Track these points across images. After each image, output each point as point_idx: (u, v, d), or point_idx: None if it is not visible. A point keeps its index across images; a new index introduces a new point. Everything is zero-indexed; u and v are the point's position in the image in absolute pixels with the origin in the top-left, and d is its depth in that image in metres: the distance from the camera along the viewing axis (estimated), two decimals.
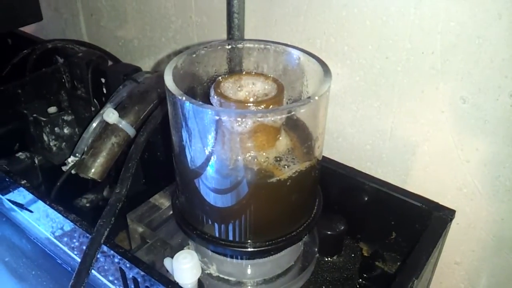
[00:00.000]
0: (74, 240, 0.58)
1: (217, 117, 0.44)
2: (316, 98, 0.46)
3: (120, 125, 0.76)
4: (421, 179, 0.75)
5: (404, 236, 0.68)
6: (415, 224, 0.65)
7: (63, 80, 0.97)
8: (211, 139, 0.47)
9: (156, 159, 0.93)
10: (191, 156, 0.49)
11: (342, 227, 0.67)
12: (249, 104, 0.49)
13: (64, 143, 0.94)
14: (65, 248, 0.56)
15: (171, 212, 0.70)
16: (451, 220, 0.61)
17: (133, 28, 1.08)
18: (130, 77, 0.85)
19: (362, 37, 0.71)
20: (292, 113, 0.44)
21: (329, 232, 0.66)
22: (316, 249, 0.65)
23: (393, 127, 0.74)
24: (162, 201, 0.72)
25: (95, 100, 0.94)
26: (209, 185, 0.50)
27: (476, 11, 0.60)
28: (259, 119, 0.43)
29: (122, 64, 0.99)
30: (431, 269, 0.65)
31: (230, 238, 0.53)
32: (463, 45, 0.62)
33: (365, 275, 0.70)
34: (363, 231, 0.72)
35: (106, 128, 0.76)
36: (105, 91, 0.93)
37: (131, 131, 0.77)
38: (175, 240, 0.66)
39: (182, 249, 0.64)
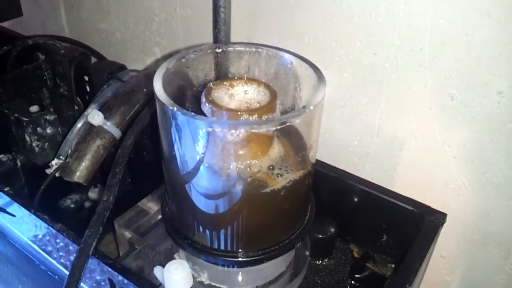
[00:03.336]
0: (61, 253, 0.56)
1: (210, 129, 0.43)
2: (311, 107, 0.45)
3: (105, 127, 0.74)
4: (408, 175, 0.76)
5: (395, 239, 0.68)
6: (407, 228, 0.64)
7: (45, 78, 0.94)
8: (203, 149, 0.45)
9: (143, 159, 0.91)
10: (182, 165, 0.48)
11: (333, 230, 0.66)
12: (241, 113, 0.47)
13: (47, 143, 0.91)
14: (52, 260, 0.55)
15: (159, 217, 0.68)
16: (442, 224, 0.61)
17: (115, 21, 1.05)
18: (114, 76, 0.82)
19: (351, 33, 0.71)
20: (287, 124, 0.43)
21: (320, 236, 0.66)
22: (307, 253, 0.65)
23: (381, 123, 0.74)
24: (150, 205, 0.70)
25: (78, 98, 0.91)
26: (200, 195, 0.49)
27: (465, 9, 0.59)
28: (253, 130, 0.42)
29: (106, 61, 0.96)
30: (423, 271, 0.65)
31: (222, 247, 0.52)
32: (452, 42, 0.62)
33: (356, 276, 0.70)
34: (354, 233, 0.72)
35: (91, 130, 0.74)
36: (88, 90, 0.90)
37: (116, 133, 0.75)
38: (164, 245, 0.65)
39: (172, 255, 0.63)
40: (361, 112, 0.75)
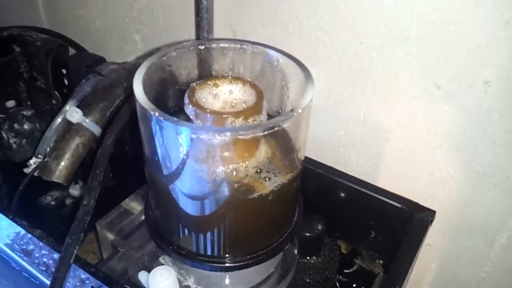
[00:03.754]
0: (42, 260, 0.54)
1: (194, 136, 0.41)
2: (300, 111, 0.43)
3: (85, 124, 0.71)
4: (394, 164, 0.75)
5: (384, 236, 0.67)
6: (395, 224, 0.64)
7: (21, 71, 0.90)
8: (187, 154, 0.43)
9: (124, 153, 0.89)
10: (166, 171, 0.46)
11: (321, 228, 0.66)
12: (227, 116, 0.45)
13: (24, 140, 0.88)
14: (31, 269, 0.52)
15: (143, 218, 0.66)
16: (431, 221, 0.60)
17: (94, 8, 1.01)
18: (93, 70, 0.79)
19: (336, 21, 0.69)
20: (276, 128, 0.41)
21: (308, 234, 0.65)
22: (295, 252, 0.63)
23: (366, 112, 0.74)
24: (133, 205, 0.68)
25: (56, 92, 0.88)
26: (186, 200, 0.47)
27: None
28: (240, 137, 0.40)
29: (84, 53, 0.93)
30: (412, 267, 0.64)
31: (209, 252, 0.51)
32: (439, 31, 0.61)
33: (345, 271, 0.69)
34: (342, 230, 0.71)
35: (70, 128, 0.71)
36: (66, 83, 0.87)
37: (96, 130, 0.73)
38: (149, 248, 0.63)
39: (157, 257, 0.61)
40: (346, 102, 0.75)
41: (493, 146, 0.65)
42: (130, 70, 0.78)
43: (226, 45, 0.54)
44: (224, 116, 0.45)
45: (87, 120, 0.71)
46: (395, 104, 0.70)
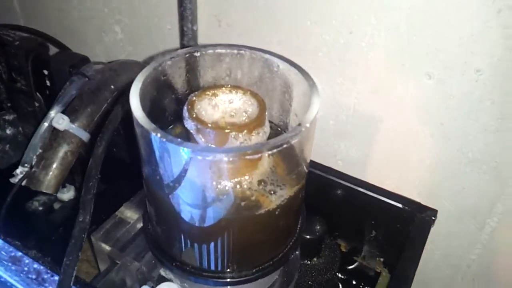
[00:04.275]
0: (40, 279, 0.52)
1: (199, 157, 0.39)
2: (308, 125, 0.41)
3: (72, 131, 0.68)
4: (384, 153, 0.76)
5: (384, 234, 0.67)
6: (397, 224, 0.63)
7: None
8: (191, 174, 0.41)
9: (113, 154, 0.86)
10: (169, 190, 0.44)
11: (322, 230, 0.65)
12: (229, 130, 0.43)
13: (8, 145, 0.85)
14: None
15: (139, 226, 0.64)
16: (434, 221, 0.60)
17: None
18: (78, 72, 0.76)
19: (325, 11, 0.68)
20: (284, 146, 0.39)
21: (309, 237, 0.64)
22: (298, 255, 0.62)
23: (357, 102, 0.74)
24: (129, 214, 0.66)
25: (38, 94, 0.84)
26: (189, 220, 0.45)
27: None
28: (248, 157, 0.38)
29: (67, 53, 0.89)
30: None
31: (213, 268, 0.49)
32: (431, 21, 0.61)
33: (346, 268, 0.69)
34: (342, 229, 0.70)
35: (57, 135, 0.68)
36: (49, 84, 0.83)
37: (84, 136, 0.70)
38: (147, 258, 0.61)
39: (156, 267, 0.59)
40: (336, 92, 0.74)
41: (484, 134, 0.65)
42: (116, 70, 0.75)
43: (223, 50, 0.51)
44: (226, 131, 0.43)
45: (74, 127, 0.68)
46: (386, 94, 0.70)
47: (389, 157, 0.75)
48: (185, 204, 0.44)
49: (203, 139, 0.44)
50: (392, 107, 0.70)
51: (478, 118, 0.64)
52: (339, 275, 0.68)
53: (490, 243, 0.74)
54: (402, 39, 0.64)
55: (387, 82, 0.68)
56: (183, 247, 0.49)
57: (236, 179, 0.44)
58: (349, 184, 0.65)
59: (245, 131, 0.44)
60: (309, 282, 0.65)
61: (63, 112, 0.71)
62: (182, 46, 0.85)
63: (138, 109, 0.41)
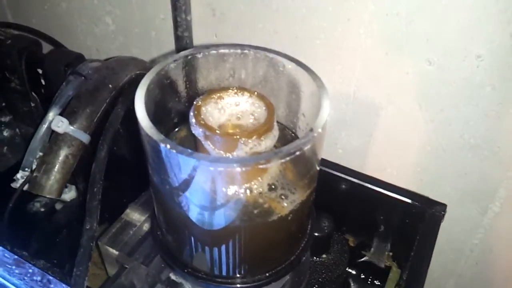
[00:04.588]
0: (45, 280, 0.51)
1: (212, 168, 0.37)
2: (320, 130, 0.40)
3: (72, 133, 0.67)
4: (385, 140, 0.76)
5: (393, 229, 0.66)
6: (405, 219, 0.63)
7: None
8: (202, 183, 0.40)
9: (114, 152, 0.84)
10: (179, 200, 0.43)
11: (331, 227, 0.64)
12: (238, 137, 0.42)
13: (5, 148, 0.83)
14: None
15: (146, 228, 0.64)
16: (443, 216, 0.60)
17: None
18: (74, 71, 0.74)
19: None
20: (297, 153, 0.38)
21: (318, 234, 0.63)
22: (308, 254, 0.62)
23: (356, 90, 0.73)
24: (135, 216, 0.65)
25: (33, 93, 0.82)
26: (201, 227, 0.44)
27: None
28: (260, 166, 0.37)
29: (61, 51, 0.86)
30: None
31: (224, 273, 0.48)
32: (430, 6, 0.60)
33: (356, 261, 0.69)
34: (349, 225, 0.70)
35: (57, 138, 0.67)
36: (44, 83, 0.81)
37: (85, 138, 0.68)
38: (156, 261, 0.60)
39: (165, 270, 0.59)
40: (335, 80, 0.73)
41: (485, 119, 0.65)
42: (113, 69, 0.73)
43: (226, 50, 0.50)
44: (236, 137, 0.42)
45: (74, 129, 0.67)
46: (385, 81, 0.69)
47: (390, 144, 0.75)
48: (196, 212, 0.43)
49: (211, 146, 0.43)
50: (392, 94, 0.70)
51: (479, 103, 0.64)
52: (349, 270, 0.67)
53: (493, 227, 0.75)
54: (401, 25, 0.63)
55: (387, 69, 0.68)
56: (195, 254, 0.48)
57: (247, 185, 0.42)
58: (356, 180, 0.65)
59: (255, 136, 0.43)
60: (319, 279, 0.64)
61: (61, 113, 0.69)
62: (176, 36, 0.83)
63: (145, 119, 0.40)
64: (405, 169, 0.76)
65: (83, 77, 0.73)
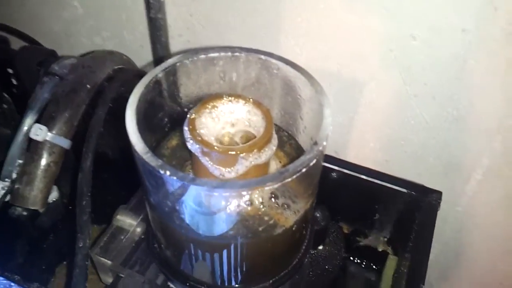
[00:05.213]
0: None
1: (216, 194, 0.36)
2: (324, 143, 0.38)
3: (52, 140, 0.63)
4: (369, 115, 0.76)
5: (388, 217, 0.66)
6: (401, 207, 0.63)
7: None
8: (204, 207, 0.39)
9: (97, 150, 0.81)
10: (179, 221, 0.41)
11: (327, 219, 0.63)
12: (237, 152, 0.40)
13: None
14: None
15: (138, 233, 0.62)
16: (439, 203, 0.60)
17: None
18: (48, 71, 0.69)
19: None
20: (303, 170, 0.36)
21: (314, 227, 0.63)
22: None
23: (339, 68, 0.72)
24: (125, 221, 0.63)
25: (5, 94, 0.78)
26: (202, 245, 0.43)
27: None
28: (266, 188, 0.36)
29: (32, 48, 0.81)
30: None
31: (226, 284, 0.48)
32: None
33: (352, 247, 0.69)
34: (345, 214, 0.69)
35: (37, 147, 0.63)
36: (15, 83, 0.77)
37: (66, 144, 0.65)
38: (152, 270, 0.59)
39: (159, 278, 0.58)
40: (318, 58, 0.72)
41: (469, 92, 0.65)
42: (89, 67, 0.69)
43: (216, 54, 0.47)
44: (236, 153, 0.40)
45: (54, 136, 0.63)
46: (369, 57, 0.69)
47: (373, 118, 0.75)
48: (198, 232, 0.42)
49: (209, 162, 0.41)
50: (375, 70, 0.69)
51: (463, 77, 0.64)
52: (348, 256, 0.67)
53: (476, 195, 0.76)
54: (385, 1, 0.62)
55: (370, 45, 0.67)
56: (196, 268, 0.47)
57: (249, 202, 0.41)
58: (352, 173, 0.64)
59: (255, 150, 0.41)
60: (318, 271, 0.64)
61: (38, 119, 0.66)
62: (149, 18, 0.79)
63: (139, 143, 0.38)
64: (389, 143, 0.76)
65: (57, 77, 0.69)
